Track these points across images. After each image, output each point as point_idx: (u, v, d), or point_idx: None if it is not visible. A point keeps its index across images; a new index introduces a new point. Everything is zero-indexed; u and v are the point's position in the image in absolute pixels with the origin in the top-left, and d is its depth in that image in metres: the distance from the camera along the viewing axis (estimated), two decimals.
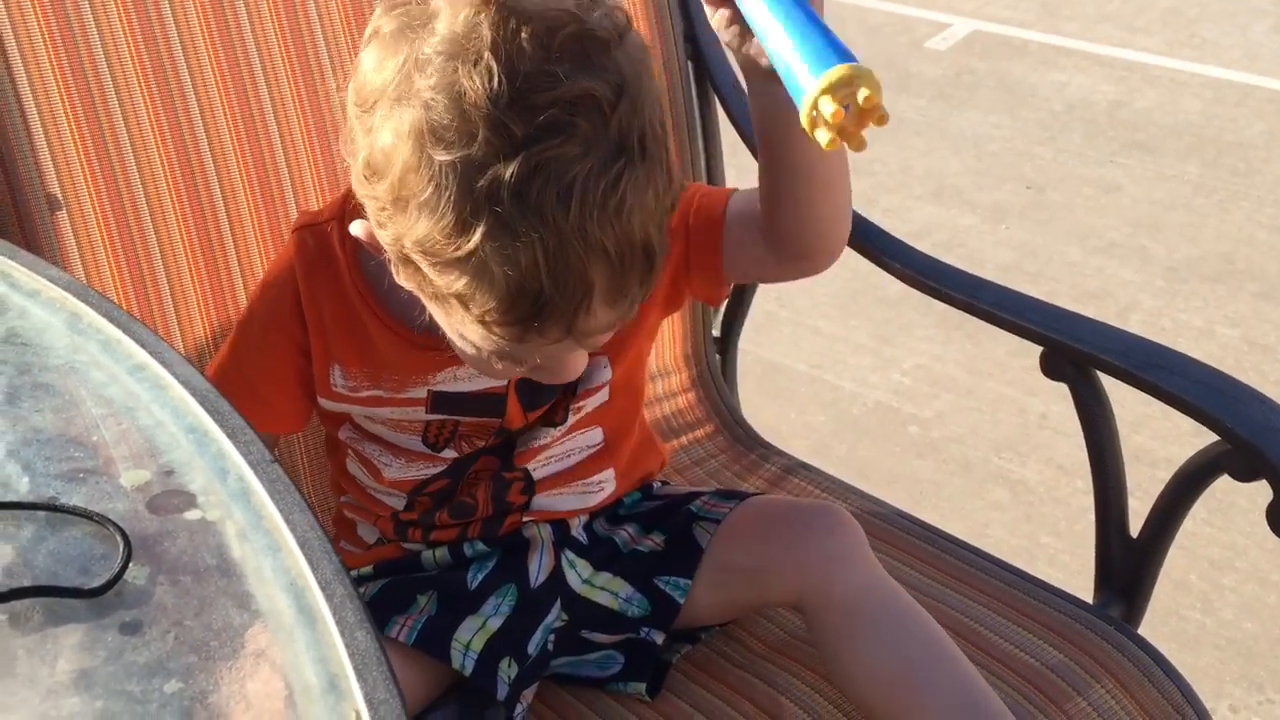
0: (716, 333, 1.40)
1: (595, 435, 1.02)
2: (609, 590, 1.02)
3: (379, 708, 0.50)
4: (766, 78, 0.78)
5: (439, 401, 0.94)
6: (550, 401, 0.97)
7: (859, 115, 0.67)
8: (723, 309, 1.39)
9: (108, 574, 0.56)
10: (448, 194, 0.71)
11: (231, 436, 0.65)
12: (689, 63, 1.29)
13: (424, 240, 0.73)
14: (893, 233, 1.20)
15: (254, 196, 1.09)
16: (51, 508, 0.60)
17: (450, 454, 0.98)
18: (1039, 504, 2.03)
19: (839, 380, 2.36)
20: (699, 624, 1.04)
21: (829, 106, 0.67)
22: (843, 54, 0.68)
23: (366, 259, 0.90)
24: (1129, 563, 1.04)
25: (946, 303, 1.09)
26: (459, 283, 0.73)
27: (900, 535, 1.15)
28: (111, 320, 0.74)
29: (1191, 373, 0.96)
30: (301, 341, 0.93)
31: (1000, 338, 1.10)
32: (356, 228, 0.83)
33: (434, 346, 0.89)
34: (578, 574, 1.02)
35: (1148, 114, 3.39)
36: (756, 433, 1.35)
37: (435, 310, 0.81)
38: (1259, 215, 2.87)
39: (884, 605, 0.94)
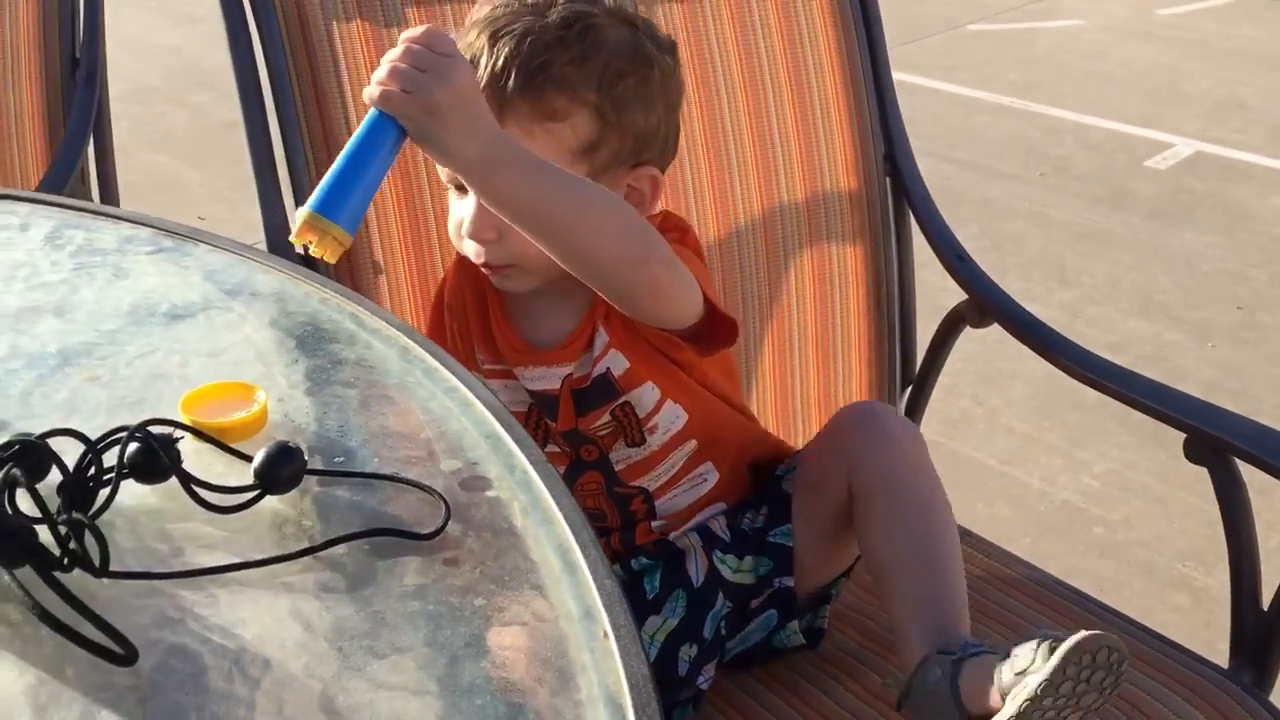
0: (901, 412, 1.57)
1: (690, 445, 1.22)
2: (750, 571, 1.23)
3: (620, 630, 0.71)
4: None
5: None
6: (596, 410, 1.17)
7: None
8: (905, 395, 1.56)
9: (435, 525, 0.79)
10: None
11: (518, 442, 0.88)
12: (887, 178, 1.50)
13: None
14: (1096, 344, 1.37)
15: None
16: (396, 479, 0.83)
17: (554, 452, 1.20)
18: (1220, 610, 2.08)
19: (1028, 478, 2.47)
20: (821, 571, 1.22)
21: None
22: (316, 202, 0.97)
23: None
24: (1260, 631, 1.16)
25: (1101, 391, 1.25)
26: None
27: (1056, 599, 1.30)
28: (430, 354, 0.99)
29: None
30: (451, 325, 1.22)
31: None
32: None
33: (525, 349, 1.17)
34: (729, 567, 1.23)
35: None
36: None
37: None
38: None
39: (913, 497, 1.12)
